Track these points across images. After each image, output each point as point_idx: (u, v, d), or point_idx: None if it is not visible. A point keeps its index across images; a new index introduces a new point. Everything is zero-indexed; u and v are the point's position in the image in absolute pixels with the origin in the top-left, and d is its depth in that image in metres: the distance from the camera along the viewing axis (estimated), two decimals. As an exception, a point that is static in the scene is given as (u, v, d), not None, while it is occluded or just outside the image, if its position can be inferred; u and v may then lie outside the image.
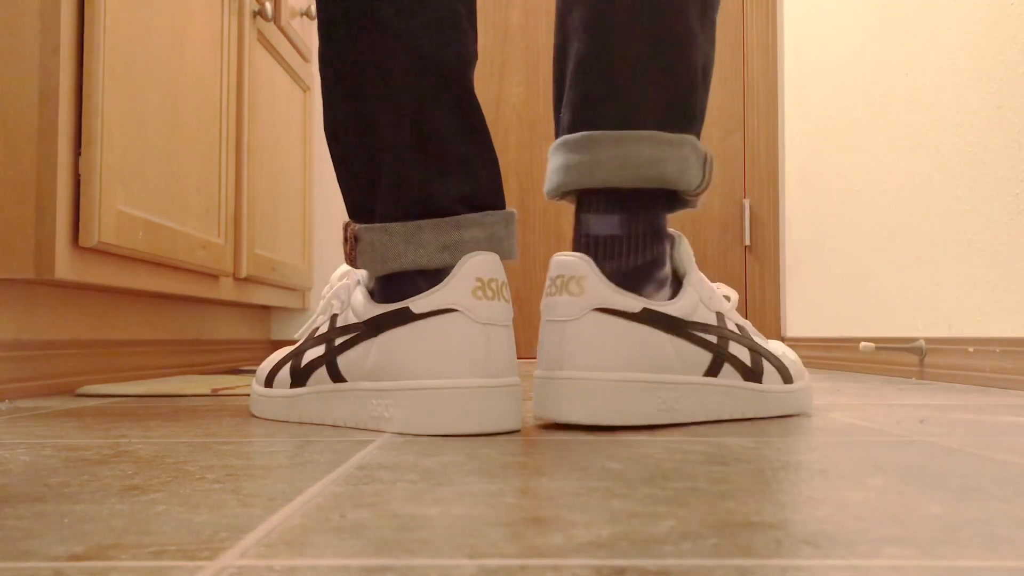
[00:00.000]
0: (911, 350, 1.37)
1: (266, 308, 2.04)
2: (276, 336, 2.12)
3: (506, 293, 0.66)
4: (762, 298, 2.12)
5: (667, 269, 0.72)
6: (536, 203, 2.16)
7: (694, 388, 0.70)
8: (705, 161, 0.73)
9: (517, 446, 0.57)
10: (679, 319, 0.69)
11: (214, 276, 1.44)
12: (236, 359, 1.83)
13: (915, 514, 0.36)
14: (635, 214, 0.71)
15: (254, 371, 1.63)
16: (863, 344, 1.41)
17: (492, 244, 0.68)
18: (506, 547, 0.31)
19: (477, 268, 0.64)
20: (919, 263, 1.40)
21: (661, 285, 0.71)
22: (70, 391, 1.12)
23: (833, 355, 1.75)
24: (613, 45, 0.71)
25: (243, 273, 1.54)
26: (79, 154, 1.00)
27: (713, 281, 2.14)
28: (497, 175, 0.71)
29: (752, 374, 0.73)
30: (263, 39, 1.67)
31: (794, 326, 2.04)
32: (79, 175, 1.00)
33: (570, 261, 0.68)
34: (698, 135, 0.74)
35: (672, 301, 0.69)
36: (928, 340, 1.34)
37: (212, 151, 1.40)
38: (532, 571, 0.28)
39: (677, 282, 0.72)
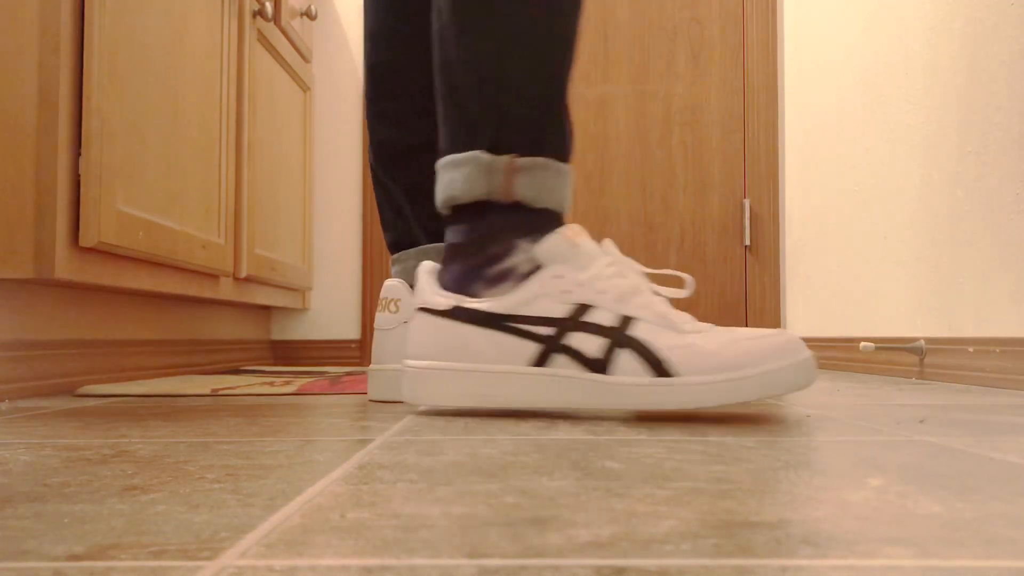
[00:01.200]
0: (911, 350, 1.37)
1: (266, 308, 2.04)
2: (276, 336, 2.12)
3: (391, 307, 0.92)
4: (762, 298, 2.12)
5: (505, 266, 0.78)
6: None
7: (511, 377, 0.76)
8: (496, 168, 0.79)
9: (517, 446, 0.57)
10: (495, 314, 0.76)
11: (214, 276, 1.44)
12: (236, 359, 1.83)
13: (915, 514, 0.36)
14: (471, 223, 0.80)
15: (256, 371, 1.63)
16: (863, 344, 1.41)
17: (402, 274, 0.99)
18: (506, 547, 0.31)
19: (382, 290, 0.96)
20: (919, 263, 1.40)
21: (497, 281, 0.79)
22: (70, 391, 1.12)
23: (833, 355, 1.75)
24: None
25: (243, 273, 1.54)
26: (79, 154, 1.00)
27: (710, 280, 2.14)
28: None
29: (596, 365, 0.74)
30: (263, 39, 1.67)
31: (794, 326, 2.04)
32: (79, 175, 1.00)
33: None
34: (495, 143, 0.79)
35: (496, 298, 0.77)
36: (928, 340, 1.35)
37: (212, 151, 1.40)
38: (532, 571, 0.28)
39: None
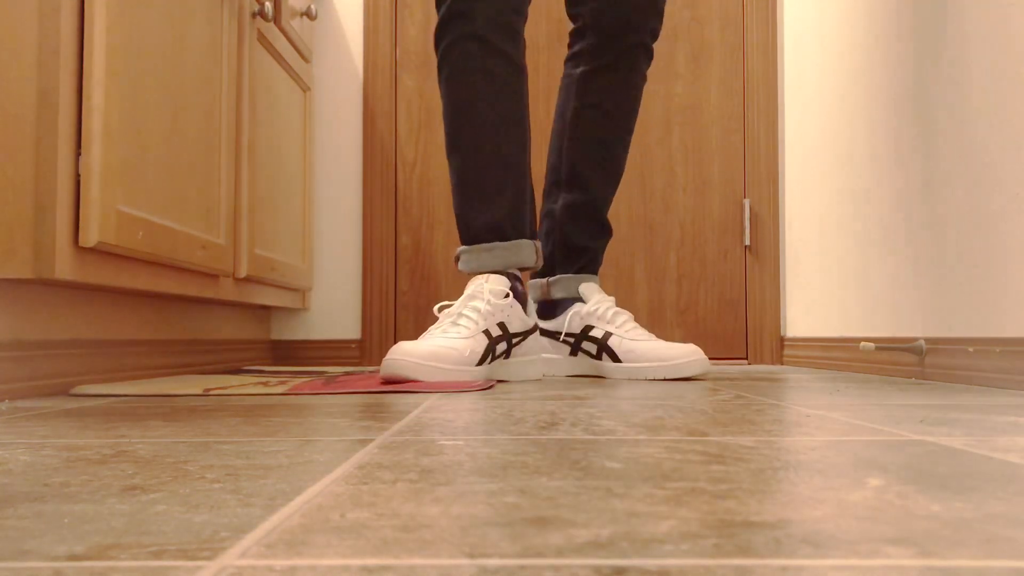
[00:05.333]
0: (911, 350, 1.37)
1: (266, 308, 2.04)
2: (276, 336, 2.12)
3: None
4: (762, 298, 2.12)
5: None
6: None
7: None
8: (536, 249, 1.39)
9: (517, 446, 0.57)
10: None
11: (214, 276, 1.44)
12: (236, 359, 1.83)
13: (915, 514, 0.36)
14: (517, 279, 1.40)
15: (258, 371, 1.63)
16: (863, 344, 1.41)
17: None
18: (506, 547, 0.31)
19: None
20: (919, 263, 1.41)
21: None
22: (69, 391, 1.12)
23: (833, 355, 1.75)
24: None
25: (243, 273, 1.54)
26: (79, 154, 1.00)
27: (710, 280, 2.14)
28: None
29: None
30: (263, 39, 1.67)
31: (794, 326, 2.04)
32: (79, 175, 1.00)
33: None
34: (533, 232, 1.42)
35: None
36: (928, 340, 1.35)
37: (212, 151, 1.40)
38: (532, 571, 0.28)
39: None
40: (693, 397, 0.98)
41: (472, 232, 1.36)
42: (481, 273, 1.34)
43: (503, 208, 1.36)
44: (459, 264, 1.38)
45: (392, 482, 0.44)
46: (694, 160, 2.16)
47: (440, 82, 1.40)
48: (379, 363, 2.09)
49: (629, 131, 1.57)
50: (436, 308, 1.36)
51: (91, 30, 1.01)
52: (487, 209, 1.36)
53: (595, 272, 1.58)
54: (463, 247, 1.38)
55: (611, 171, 1.55)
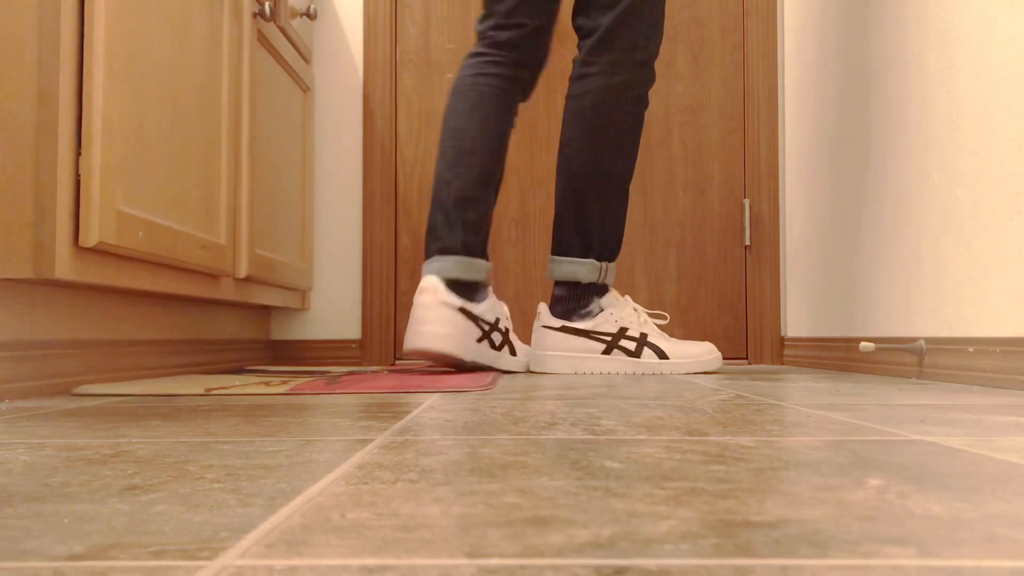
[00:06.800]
0: (911, 350, 1.37)
1: (266, 308, 2.04)
2: (276, 336, 2.12)
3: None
4: (762, 298, 2.12)
5: (589, 309, 1.64)
6: (535, 202, 2.16)
7: (591, 358, 1.62)
8: (600, 269, 1.63)
9: (517, 446, 0.57)
10: (584, 330, 1.63)
11: (214, 276, 1.44)
12: (236, 359, 1.83)
13: (915, 514, 0.36)
14: (573, 288, 1.64)
15: (260, 371, 1.63)
16: (863, 344, 1.41)
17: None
18: (506, 547, 0.31)
19: None
20: (919, 263, 1.41)
21: (585, 316, 1.63)
22: (70, 391, 1.12)
23: (833, 355, 1.75)
24: (560, 203, 1.67)
25: (243, 273, 1.54)
26: (79, 154, 1.00)
27: (710, 280, 2.14)
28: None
29: (633, 354, 1.62)
30: (263, 39, 1.67)
31: (794, 326, 2.04)
32: (79, 175, 1.00)
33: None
34: (598, 255, 1.63)
35: (584, 322, 1.63)
36: (928, 340, 1.35)
37: (212, 151, 1.40)
38: (532, 571, 0.28)
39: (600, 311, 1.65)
40: (693, 397, 0.98)
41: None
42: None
43: None
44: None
45: (392, 482, 0.44)
46: (694, 160, 2.16)
47: None
48: (379, 363, 2.09)
49: (612, 146, 1.60)
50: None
51: (91, 30, 1.01)
52: None
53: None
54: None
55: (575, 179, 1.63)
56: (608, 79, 1.58)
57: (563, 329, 1.61)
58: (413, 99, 2.16)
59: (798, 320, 2.02)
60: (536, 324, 1.64)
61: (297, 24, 1.92)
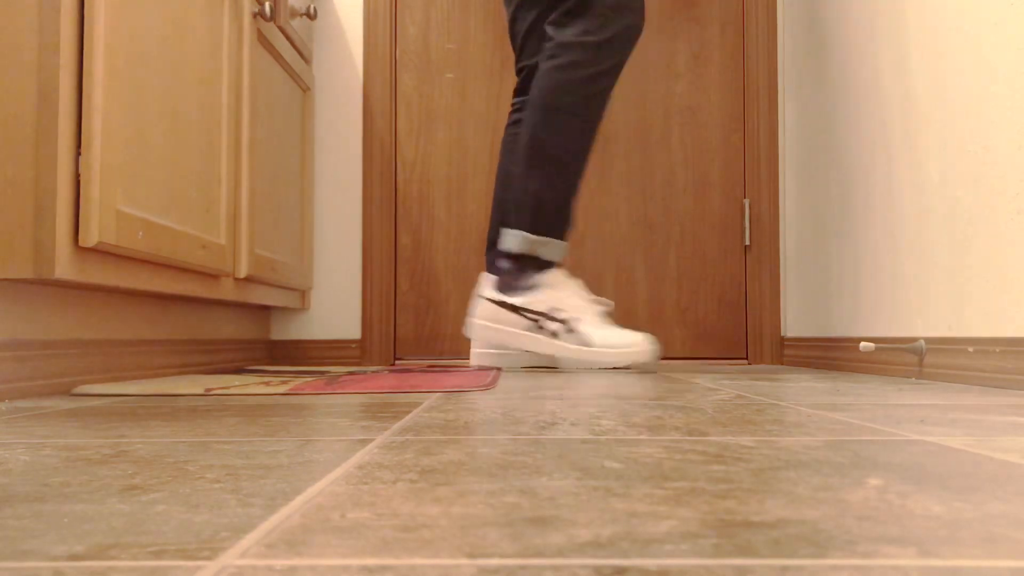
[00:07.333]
0: (911, 350, 1.37)
1: (266, 308, 2.04)
2: (276, 336, 2.12)
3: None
4: (762, 298, 2.12)
5: (526, 284, 1.66)
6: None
7: (515, 333, 1.66)
8: (530, 241, 1.65)
9: (517, 446, 0.57)
10: (515, 305, 1.65)
11: (214, 276, 1.44)
12: (236, 359, 1.83)
13: (915, 514, 0.36)
14: (513, 262, 1.69)
15: (260, 371, 1.63)
16: (863, 344, 1.41)
17: None
18: (506, 547, 0.31)
19: None
20: (919, 263, 1.41)
21: (521, 291, 1.66)
22: (70, 391, 1.12)
23: (833, 355, 1.75)
24: (501, 190, 1.78)
25: (243, 273, 1.54)
26: (79, 154, 1.00)
27: (710, 280, 2.14)
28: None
29: (555, 336, 1.63)
30: (263, 39, 1.67)
31: (794, 326, 2.04)
32: (79, 175, 1.00)
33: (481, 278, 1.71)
34: (532, 228, 1.65)
35: (517, 298, 1.66)
36: (928, 340, 1.35)
37: (212, 151, 1.40)
38: (532, 571, 0.28)
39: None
40: (693, 397, 0.98)
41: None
42: None
43: None
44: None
45: (392, 482, 0.44)
46: (694, 160, 2.16)
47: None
48: (379, 363, 2.09)
49: (553, 124, 1.63)
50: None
51: (91, 30, 1.01)
52: None
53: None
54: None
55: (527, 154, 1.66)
56: (555, 61, 1.63)
57: (494, 301, 1.67)
58: (413, 99, 2.16)
59: (798, 320, 2.02)
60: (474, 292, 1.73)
61: (297, 24, 1.92)
